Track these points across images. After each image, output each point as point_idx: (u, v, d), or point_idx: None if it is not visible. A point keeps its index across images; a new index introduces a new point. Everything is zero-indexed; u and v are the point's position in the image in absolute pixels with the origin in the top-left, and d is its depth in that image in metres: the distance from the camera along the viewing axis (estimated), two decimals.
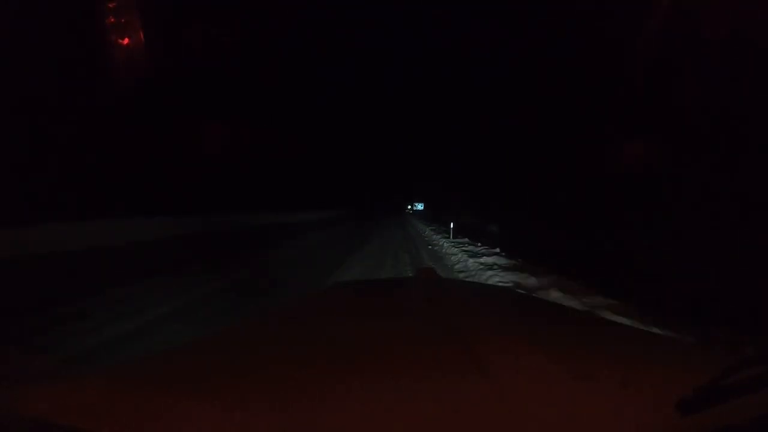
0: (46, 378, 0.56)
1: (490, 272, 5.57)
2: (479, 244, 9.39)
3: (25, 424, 0.43)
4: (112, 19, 7.10)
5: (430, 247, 9.92)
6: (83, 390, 0.52)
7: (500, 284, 4.60)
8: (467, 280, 5.12)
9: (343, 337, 0.75)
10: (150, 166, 10.88)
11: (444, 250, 8.92)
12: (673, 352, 0.74)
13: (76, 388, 0.53)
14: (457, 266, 6.60)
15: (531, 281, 4.82)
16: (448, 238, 11.38)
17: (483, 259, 6.75)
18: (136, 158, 10.19)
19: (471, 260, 6.74)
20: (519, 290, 4.20)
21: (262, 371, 0.59)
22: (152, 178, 10.91)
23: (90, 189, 8.87)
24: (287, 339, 0.76)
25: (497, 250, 7.99)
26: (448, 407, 0.46)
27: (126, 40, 7.13)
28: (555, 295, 4.04)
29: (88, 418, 0.43)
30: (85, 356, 2.57)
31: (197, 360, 0.65)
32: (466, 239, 10.71)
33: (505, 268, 5.82)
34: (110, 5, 7.15)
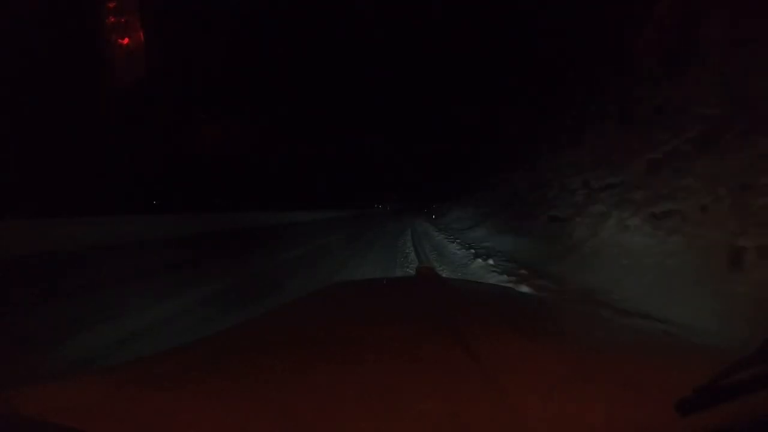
0: (46, 378, 0.56)
1: None
2: None
3: (25, 424, 0.43)
4: (112, 19, 7.11)
5: None
6: (83, 390, 0.52)
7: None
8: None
9: (342, 337, 0.75)
10: (148, 166, 10.89)
11: None
12: (673, 352, 0.74)
13: (76, 388, 0.53)
14: None
15: None
16: None
17: None
18: (134, 157, 10.20)
19: None
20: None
21: (261, 372, 0.59)
22: (150, 176, 10.92)
23: (89, 188, 8.87)
24: (287, 339, 0.76)
25: None
26: (448, 407, 0.46)
27: (126, 40, 7.14)
28: None
29: (88, 418, 0.43)
30: None
31: (197, 360, 0.65)
32: None
33: None
34: (110, 5, 7.15)
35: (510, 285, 4.29)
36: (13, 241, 6.08)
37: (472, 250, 6.61)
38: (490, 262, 5.44)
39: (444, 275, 3.17)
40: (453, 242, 8.41)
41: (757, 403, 0.38)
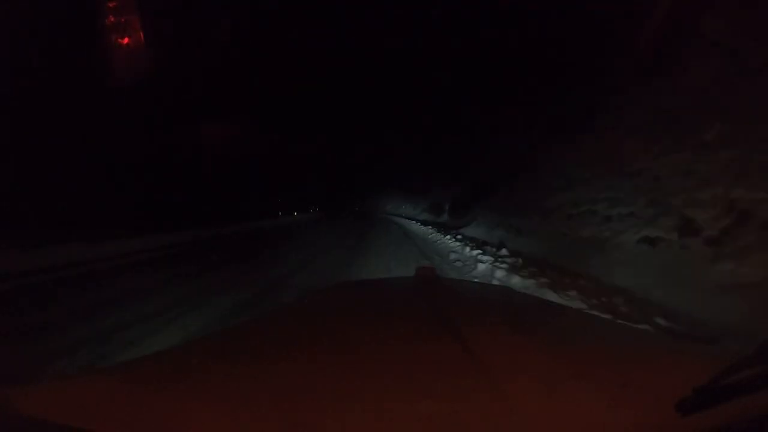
0: (46, 378, 0.56)
1: None
2: None
3: (25, 424, 0.43)
4: (112, 19, 7.11)
5: None
6: (83, 390, 0.52)
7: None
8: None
9: (343, 337, 0.75)
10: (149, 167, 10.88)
11: None
12: (673, 352, 0.74)
13: (76, 388, 0.53)
14: None
15: None
16: None
17: None
18: (134, 159, 10.20)
19: None
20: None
21: (262, 371, 0.59)
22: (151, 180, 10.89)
23: (88, 191, 8.85)
24: (288, 339, 0.76)
25: None
26: (448, 407, 0.46)
27: (126, 40, 7.14)
28: None
29: (88, 418, 0.43)
30: None
31: (198, 360, 0.65)
32: None
33: None
34: (110, 5, 7.16)
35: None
36: None
37: None
38: None
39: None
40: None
41: (757, 403, 0.38)
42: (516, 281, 4.27)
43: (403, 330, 0.78)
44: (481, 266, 5.41)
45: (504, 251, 6.32)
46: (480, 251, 6.47)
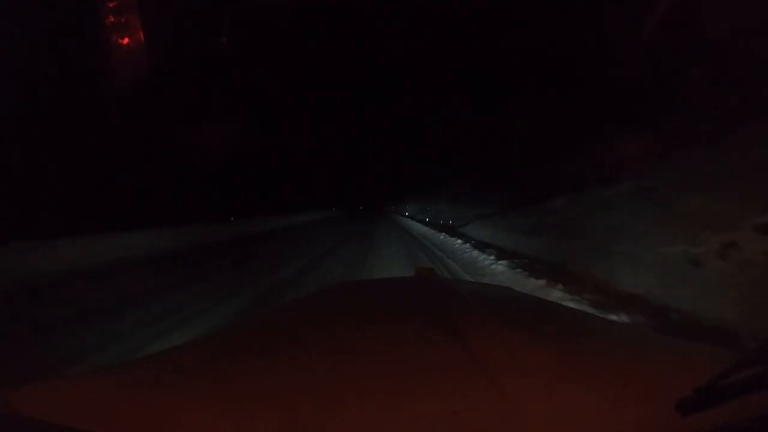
0: (46, 378, 0.56)
1: None
2: None
3: (25, 425, 0.43)
4: (112, 19, 7.11)
5: None
6: (83, 390, 0.52)
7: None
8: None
9: (343, 337, 0.75)
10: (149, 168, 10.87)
11: None
12: (673, 352, 0.74)
13: (76, 388, 0.53)
14: None
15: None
16: None
17: None
18: (135, 160, 10.18)
19: None
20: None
21: (262, 371, 0.59)
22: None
23: (90, 193, 8.84)
24: (287, 339, 0.76)
25: None
26: (448, 408, 0.46)
27: (126, 40, 7.14)
28: None
29: (88, 418, 0.43)
30: None
31: (197, 360, 0.65)
32: None
33: None
34: (110, 5, 7.15)
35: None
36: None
37: None
38: None
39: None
40: None
41: (757, 403, 0.38)
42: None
43: (403, 330, 0.78)
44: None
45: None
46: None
